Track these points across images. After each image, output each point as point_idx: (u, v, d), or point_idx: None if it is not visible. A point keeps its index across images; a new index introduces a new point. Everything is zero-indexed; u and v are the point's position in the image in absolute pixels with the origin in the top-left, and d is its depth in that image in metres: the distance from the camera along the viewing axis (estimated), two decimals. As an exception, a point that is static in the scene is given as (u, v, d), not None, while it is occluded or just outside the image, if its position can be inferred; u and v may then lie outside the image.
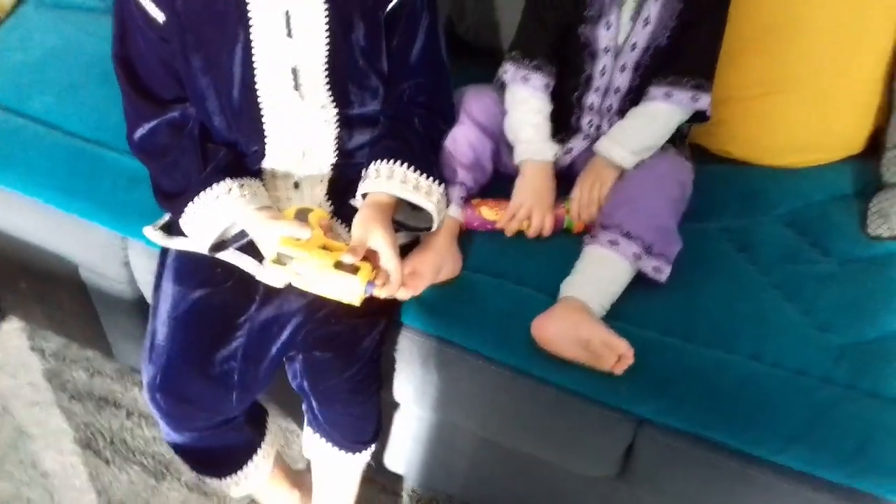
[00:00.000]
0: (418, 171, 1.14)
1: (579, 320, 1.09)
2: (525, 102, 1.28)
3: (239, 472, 1.26)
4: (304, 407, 1.27)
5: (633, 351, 1.06)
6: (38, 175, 1.35)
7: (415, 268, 1.15)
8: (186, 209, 1.12)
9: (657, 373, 1.11)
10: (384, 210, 1.11)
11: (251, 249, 1.15)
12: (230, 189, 1.11)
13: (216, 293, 1.15)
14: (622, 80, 1.27)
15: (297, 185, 1.21)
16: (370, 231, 1.07)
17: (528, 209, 1.23)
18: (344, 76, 1.12)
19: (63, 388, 1.65)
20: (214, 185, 1.11)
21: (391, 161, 1.13)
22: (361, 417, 1.26)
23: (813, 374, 1.10)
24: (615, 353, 1.06)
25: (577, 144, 1.32)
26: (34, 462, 1.54)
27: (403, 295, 1.12)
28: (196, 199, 1.12)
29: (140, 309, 1.47)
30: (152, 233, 1.21)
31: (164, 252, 1.22)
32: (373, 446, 1.30)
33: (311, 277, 1.04)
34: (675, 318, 1.16)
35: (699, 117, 1.26)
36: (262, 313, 1.14)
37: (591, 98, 1.29)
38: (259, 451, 1.28)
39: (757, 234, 1.26)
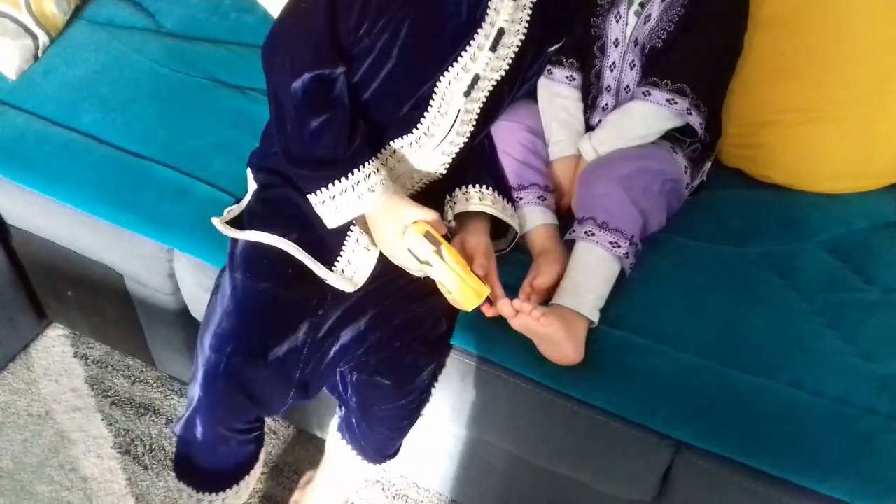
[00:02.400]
0: (500, 195, 1.21)
1: (564, 324, 1.11)
2: (553, 99, 1.33)
3: (228, 490, 1.27)
4: (339, 414, 1.29)
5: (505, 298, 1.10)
6: (87, 188, 1.38)
7: (541, 273, 1.20)
8: (326, 188, 1.08)
9: (696, 396, 1.11)
10: (487, 234, 1.18)
11: (318, 255, 1.14)
12: (369, 174, 1.08)
13: (284, 285, 1.14)
14: (631, 78, 1.29)
15: None
16: (486, 255, 1.13)
17: (558, 187, 1.31)
18: (499, 94, 1.17)
19: (104, 395, 1.68)
20: (361, 167, 1.08)
21: (478, 186, 1.20)
22: (396, 437, 1.29)
23: (855, 403, 1.09)
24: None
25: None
26: (74, 466, 1.58)
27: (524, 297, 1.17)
28: (343, 179, 1.07)
29: (183, 320, 1.50)
30: (221, 225, 1.19)
31: (233, 244, 1.20)
32: (395, 458, 1.32)
33: (450, 266, 1.07)
34: (715, 341, 1.16)
35: (691, 133, 1.26)
36: (327, 316, 1.14)
37: (605, 99, 1.32)
38: (252, 471, 1.30)
39: (799, 260, 1.26)
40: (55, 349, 1.75)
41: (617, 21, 1.26)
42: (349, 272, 1.15)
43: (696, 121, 1.23)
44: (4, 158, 1.43)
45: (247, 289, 1.14)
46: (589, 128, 1.35)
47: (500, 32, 1.11)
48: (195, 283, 1.37)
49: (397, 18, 1.07)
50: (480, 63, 1.12)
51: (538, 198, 1.27)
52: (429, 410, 1.26)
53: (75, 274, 1.55)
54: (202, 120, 1.45)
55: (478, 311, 1.21)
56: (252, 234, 1.16)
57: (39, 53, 1.58)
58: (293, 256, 1.13)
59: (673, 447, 1.12)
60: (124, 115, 1.47)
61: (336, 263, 1.15)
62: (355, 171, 1.07)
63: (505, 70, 1.14)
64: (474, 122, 1.18)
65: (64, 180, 1.40)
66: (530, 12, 1.12)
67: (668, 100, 1.22)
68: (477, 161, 1.24)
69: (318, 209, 1.10)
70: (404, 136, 1.15)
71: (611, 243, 1.16)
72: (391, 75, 1.10)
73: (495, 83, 1.15)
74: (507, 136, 1.29)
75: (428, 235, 1.07)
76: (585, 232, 1.17)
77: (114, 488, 1.55)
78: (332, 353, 1.15)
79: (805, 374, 1.12)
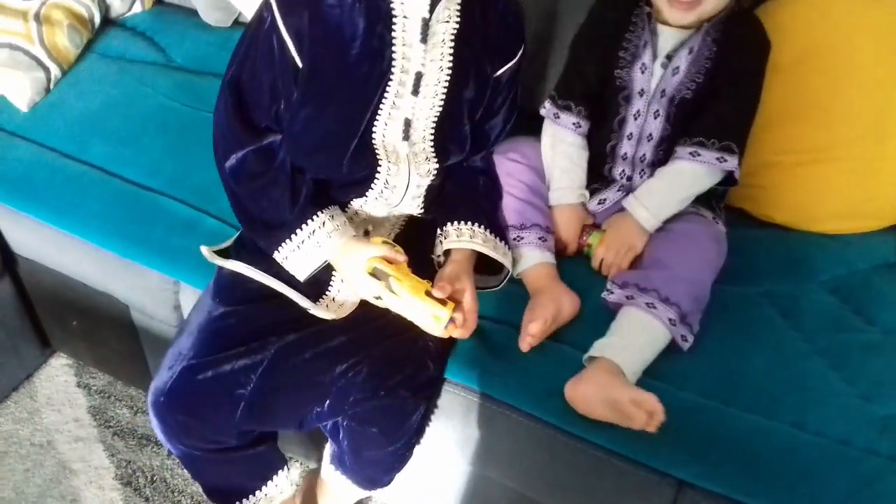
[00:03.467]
0: (492, 232, 1.22)
1: (608, 382, 1.10)
2: (557, 144, 1.34)
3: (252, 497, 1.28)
4: (329, 446, 1.29)
5: (661, 406, 1.06)
6: (95, 220, 1.40)
7: (534, 317, 1.19)
8: (282, 246, 1.16)
9: (697, 436, 1.11)
10: (468, 265, 1.20)
11: (304, 290, 1.17)
12: (323, 223, 1.16)
13: (252, 309, 1.17)
14: (654, 128, 1.30)
15: (367, 232, 1.25)
16: (460, 278, 1.15)
17: (555, 230, 1.32)
18: (447, 132, 1.18)
19: (107, 425, 1.68)
20: (308, 222, 1.15)
21: (469, 223, 1.22)
22: (390, 474, 1.29)
23: (856, 444, 1.09)
24: (644, 410, 1.07)
25: (611, 195, 1.35)
26: (75, 497, 1.57)
27: (524, 346, 1.19)
28: (292, 236, 1.15)
29: (186, 351, 1.50)
30: (209, 253, 1.24)
31: (218, 272, 1.24)
32: (390, 484, 1.32)
33: (402, 297, 1.11)
34: (715, 381, 1.17)
35: (728, 180, 1.28)
36: (295, 335, 1.14)
37: (625, 147, 1.33)
38: (264, 487, 1.29)
39: (800, 300, 1.27)
40: (58, 378, 1.75)
41: (642, 72, 1.27)
42: (333, 307, 1.19)
43: (737, 173, 1.26)
44: (14, 189, 1.45)
45: (213, 313, 1.17)
46: (602, 176, 1.35)
47: (419, 76, 1.12)
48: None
49: (310, 87, 1.12)
50: (406, 108, 1.14)
51: (539, 238, 1.29)
52: (431, 444, 1.26)
53: (81, 304, 1.56)
54: (210, 154, 1.46)
55: (480, 346, 1.23)
56: (234, 264, 1.21)
57: (51, 86, 1.60)
58: (271, 290, 1.17)
59: (675, 486, 1.11)
60: (134, 148, 1.49)
61: (324, 296, 1.19)
62: (303, 226, 1.15)
63: (439, 108, 1.15)
64: (433, 161, 1.20)
65: (72, 212, 1.41)
66: (451, 51, 1.13)
67: (717, 158, 1.24)
68: (470, 198, 1.26)
69: (285, 265, 1.18)
70: (367, 194, 1.22)
71: (670, 319, 1.17)
72: (324, 132, 1.15)
73: (435, 121, 1.16)
74: (510, 176, 1.31)
75: (376, 271, 1.12)
76: (647, 303, 1.17)
77: (114, 520, 1.55)
78: (307, 390, 1.13)
79: (807, 415, 1.12)
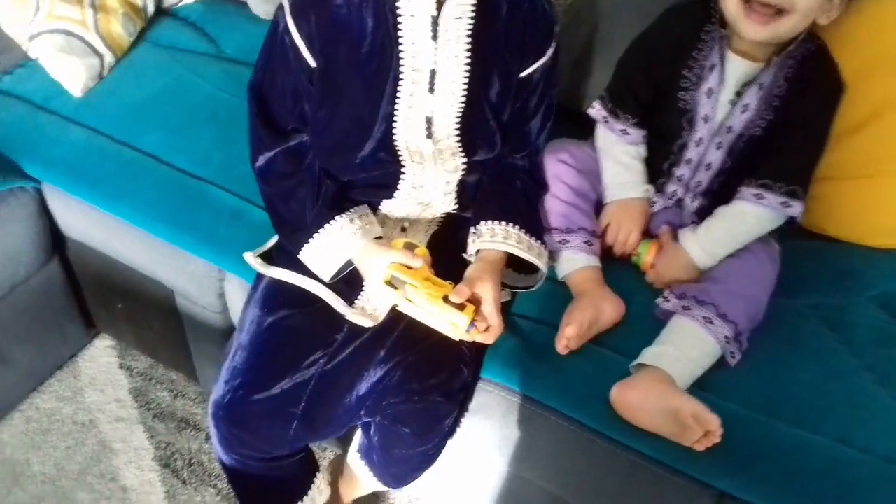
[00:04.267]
0: (528, 234, 1.20)
1: (666, 391, 1.09)
2: (610, 147, 1.32)
3: None
4: (360, 438, 1.30)
5: (722, 430, 1.05)
6: (145, 206, 1.42)
7: (571, 320, 1.18)
8: (303, 248, 1.18)
9: (740, 447, 1.09)
10: (497, 267, 1.17)
11: (341, 291, 1.19)
12: (342, 226, 1.17)
13: (298, 316, 1.19)
14: (715, 158, 1.27)
15: (403, 229, 1.26)
16: (482, 280, 1.12)
17: (616, 223, 1.29)
18: (472, 128, 1.17)
19: (147, 407, 1.71)
20: (328, 225, 1.16)
21: (504, 223, 1.19)
22: (415, 474, 1.29)
23: (903, 462, 1.07)
24: (702, 429, 1.06)
25: (660, 202, 1.33)
26: (115, 476, 1.60)
27: (560, 348, 1.18)
28: (311, 239, 1.17)
29: (228, 338, 1.51)
30: (251, 259, 1.26)
31: (258, 278, 1.27)
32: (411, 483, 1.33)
33: (418, 305, 1.10)
34: (761, 393, 1.16)
35: (787, 222, 1.24)
36: (341, 353, 1.16)
37: (682, 170, 1.30)
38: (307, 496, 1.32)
39: (849, 314, 1.25)
40: (102, 359, 1.79)
41: (708, 97, 1.23)
42: (369, 308, 1.19)
43: (800, 218, 1.23)
44: (66, 173, 1.48)
45: (261, 325, 1.19)
46: (660, 191, 1.33)
47: (433, 73, 1.11)
48: (243, 304, 1.40)
49: (324, 87, 1.13)
50: (423, 105, 1.13)
51: (585, 242, 1.27)
52: (469, 443, 1.26)
53: (127, 287, 1.58)
54: (258, 145, 1.49)
55: (521, 346, 1.23)
56: (277, 271, 1.22)
57: (105, 73, 1.63)
58: (314, 295, 1.19)
59: (715, 497, 1.10)
60: (184, 137, 1.51)
61: (357, 300, 1.19)
62: (322, 229, 1.16)
63: (461, 106, 1.14)
64: (460, 156, 1.19)
65: (123, 197, 1.44)
66: (468, 48, 1.11)
67: (782, 203, 1.20)
68: (507, 197, 1.24)
69: (310, 266, 1.19)
70: (395, 195, 1.22)
71: (725, 337, 1.15)
72: (339, 132, 1.16)
73: (458, 118, 1.15)
74: (557, 178, 1.29)
75: (393, 279, 1.11)
76: (704, 317, 1.16)
77: (152, 500, 1.57)
78: (351, 398, 1.16)
79: (853, 431, 1.10)
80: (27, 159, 1.50)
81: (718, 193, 1.28)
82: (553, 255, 1.29)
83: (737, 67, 1.21)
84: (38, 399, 1.70)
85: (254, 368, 1.16)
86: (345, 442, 1.43)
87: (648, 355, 1.16)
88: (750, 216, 1.22)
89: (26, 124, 1.54)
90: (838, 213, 1.35)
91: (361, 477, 1.34)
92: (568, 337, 1.18)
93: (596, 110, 1.33)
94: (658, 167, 1.32)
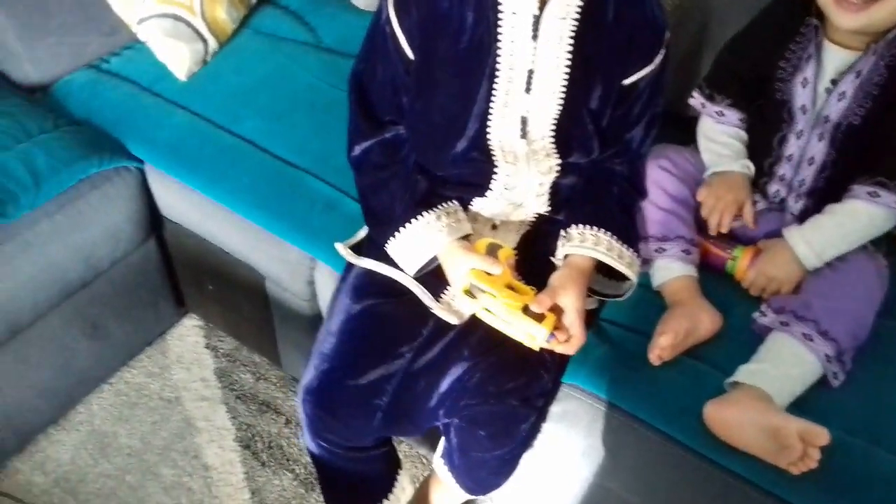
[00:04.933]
0: (620, 241, 1.16)
1: (766, 409, 1.06)
2: (710, 130, 1.30)
3: None
4: (442, 443, 1.30)
5: (819, 453, 1.01)
6: (242, 191, 1.45)
7: (665, 330, 1.16)
8: (390, 241, 1.18)
9: (839, 474, 1.05)
10: (584, 275, 1.13)
11: (429, 285, 1.19)
12: (428, 223, 1.15)
13: (387, 306, 1.19)
14: (817, 151, 1.23)
15: (494, 227, 1.24)
16: (566, 289, 1.09)
17: (714, 197, 1.26)
18: (569, 131, 1.14)
19: (231, 388, 1.75)
20: (414, 220, 1.16)
21: (595, 228, 1.15)
22: (496, 481, 1.28)
23: None
24: (808, 446, 1.02)
25: (761, 203, 1.30)
26: (197, 454, 1.65)
27: (653, 359, 1.16)
28: (397, 233, 1.17)
29: (315, 326, 1.52)
30: (343, 249, 1.27)
31: (348, 268, 1.27)
32: (494, 491, 1.32)
33: (497, 314, 1.07)
34: (863, 417, 1.12)
35: None
36: (427, 350, 1.16)
37: (784, 168, 1.26)
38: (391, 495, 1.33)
39: (961, 338, 1.19)
40: (189, 338, 1.83)
41: (803, 87, 1.20)
42: (455, 305, 1.18)
43: None
44: (169, 155, 1.52)
45: (351, 313, 1.20)
46: (762, 192, 1.30)
47: (531, 73, 1.09)
48: (333, 292, 1.41)
49: (421, 80, 1.12)
50: (519, 105, 1.11)
51: (682, 251, 1.25)
52: (552, 449, 1.25)
53: (219, 270, 1.62)
54: (354, 136, 1.50)
55: (610, 354, 1.21)
56: (367, 261, 1.23)
57: (208, 58, 1.66)
58: (403, 286, 1.18)
59: (810, 524, 1.07)
60: (282, 125, 1.53)
61: (443, 294, 1.18)
62: (408, 224, 1.15)
63: (559, 107, 1.11)
64: (554, 157, 1.16)
65: (221, 182, 1.47)
66: (570, 49, 1.08)
67: None
68: (601, 201, 1.20)
69: (395, 259, 1.19)
70: (487, 194, 1.20)
71: (826, 355, 1.12)
72: (431, 127, 1.15)
73: (555, 120, 1.12)
74: (656, 185, 1.27)
75: (472, 288, 1.09)
76: (803, 334, 1.12)
77: (232, 480, 1.61)
78: (433, 396, 1.16)
79: (963, 464, 1.05)
80: (132, 140, 1.55)
81: (823, 194, 1.24)
82: (648, 263, 1.26)
83: (833, 56, 1.18)
84: (127, 373, 1.76)
85: (343, 355, 1.17)
86: (431, 440, 1.44)
87: (745, 373, 1.12)
88: (863, 215, 1.17)
89: (132, 105, 1.59)
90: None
91: (447, 482, 1.34)
92: (662, 347, 1.15)
93: (694, 99, 1.32)
94: (759, 166, 1.29)
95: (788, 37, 1.22)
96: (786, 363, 1.12)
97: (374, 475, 1.31)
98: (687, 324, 1.17)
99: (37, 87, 1.64)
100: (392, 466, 1.34)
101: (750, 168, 1.28)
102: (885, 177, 1.16)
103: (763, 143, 1.27)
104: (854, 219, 1.18)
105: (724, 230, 1.27)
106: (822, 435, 1.01)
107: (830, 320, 1.12)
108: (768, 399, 1.08)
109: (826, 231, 1.19)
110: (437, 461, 1.34)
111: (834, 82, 1.19)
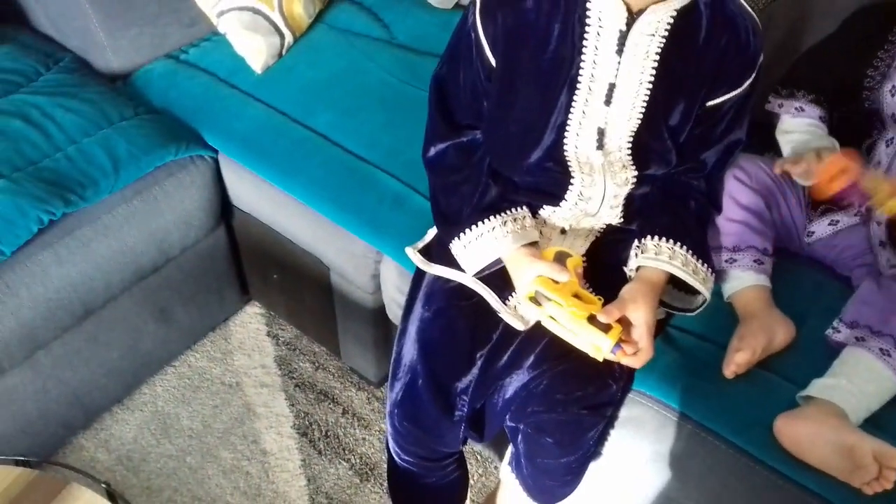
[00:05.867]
0: (696, 256, 1.14)
1: (841, 426, 1.04)
2: (789, 125, 1.28)
3: None
4: (510, 450, 1.30)
5: None
6: (313, 184, 1.47)
7: (742, 346, 1.15)
8: (454, 242, 1.19)
9: (915, 496, 1.03)
10: (656, 288, 1.12)
11: (497, 289, 1.19)
12: (493, 228, 1.16)
13: (461, 314, 1.19)
14: None
15: (563, 232, 1.24)
16: (636, 302, 1.08)
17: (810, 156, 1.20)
18: (646, 144, 1.13)
19: (290, 376, 1.78)
20: (479, 224, 1.16)
21: (672, 241, 1.14)
22: (563, 489, 1.28)
23: None
24: (883, 466, 1.00)
25: (845, 220, 1.27)
26: (256, 439, 1.68)
27: (728, 374, 1.15)
28: (461, 234, 1.18)
29: (376, 318, 1.56)
30: (414, 255, 1.27)
31: (420, 275, 1.28)
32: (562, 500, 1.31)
33: (562, 323, 1.06)
34: (942, 438, 1.09)
35: None
36: (498, 355, 1.17)
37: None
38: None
39: None
40: (251, 325, 1.87)
41: (892, 95, 1.18)
42: (521, 310, 1.18)
43: None
44: (243, 146, 1.55)
45: (428, 324, 1.20)
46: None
47: (612, 87, 1.07)
48: (396, 287, 1.43)
49: (501, 88, 1.12)
50: (597, 117, 1.09)
51: (754, 261, 1.23)
52: (619, 455, 1.24)
53: (284, 260, 1.64)
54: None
55: (680, 362, 1.20)
56: (437, 268, 1.23)
57: (284, 52, 1.69)
58: (473, 291, 1.19)
59: (882, 544, 1.05)
60: (354, 120, 1.55)
61: (510, 298, 1.18)
62: (474, 227, 1.16)
63: (637, 121, 1.09)
64: (631, 169, 1.14)
65: (293, 174, 1.49)
66: (655, 65, 1.06)
67: None
68: (678, 213, 1.18)
69: (458, 258, 1.19)
70: (561, 204, 1.19)
71: None
72: (508, 134, 1.15)
73: (632, 133, 1.10)
74: (729, 196, 1.25)
75: (538, 295, 1.08)
76: (881, 349, 1.10)
77: (289, 466, 1.63)
78: (499, 400, 1.18)
79: None
80: (208, 130, 1.58)
81: None
82: (720, 276, 1.25)
83: None
84: (191, 357, 1.80)
85: (424, 368, 1.18)
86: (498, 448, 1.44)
87: (819, 387, 1.10)
88: None
89: (209, 96, 1.62)
90: None
91: (514, 490, 1.35)
92: (738, 364, 1.14)
93: (770, 103, 1.31)
94: None
95: (876, 45, 1.21)
96: (861, 378, 1.10)
97: (450, 486, 1.33)
98: (763, 338, 1.16)
99: (118, 75, 1.69)
100: (465, 476, 1.36)
101: (835, 143, 1.25)
102: None
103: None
104: None
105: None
106: None
107: None
108: (843, 415, 1.06)
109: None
110: (505, 468, 1.35)
111: None
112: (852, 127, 1.25)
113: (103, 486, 1.10)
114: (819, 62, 1.28)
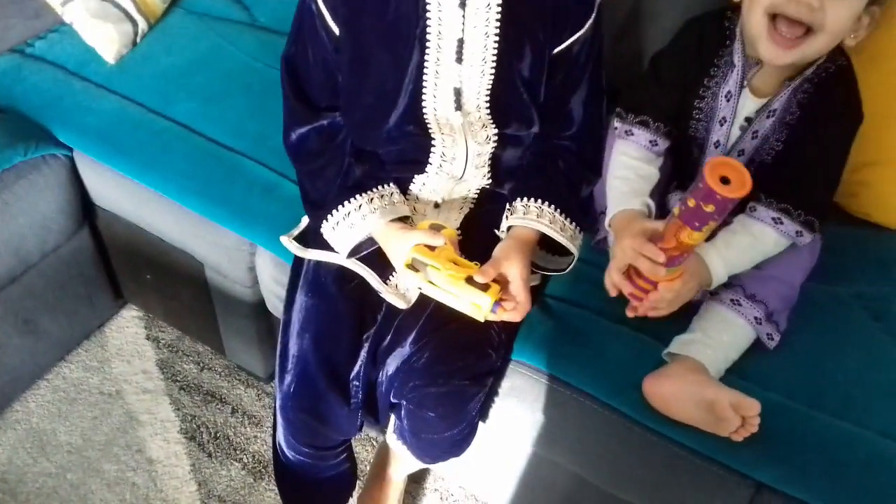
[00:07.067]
0: (564, 214, 1.15)
1: (701, 381, 1.07)
2: (620, 157, 1.23)
3: None
4: (394, 420, 1.29)
5: (759, 420, 1.03)
6: (177, 177, 1.41)
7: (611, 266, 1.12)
8: (323, 224, 1.17)
9: (780, 438, 1.08)
10: (527, 245, 1.13)
11: (378, 270, 1.18)
12: (360, 206, 1.15)
13: (344, 303, 1.18)
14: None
15: (437, 206, 1.23)
16: (509, 259, 1.09)
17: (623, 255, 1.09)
18: (504, 101, 1.13)
19: (174, 379, 1.71)
20: (346, 203, 1.15)
21: (540, 201, 1.15)
22: (449, 453, 1.28)
23: (950, 458, 1.05)
24: (740, 417, 1.03)
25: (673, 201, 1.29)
26: (140, 448, 1.60)
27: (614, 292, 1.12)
28: (329, 217, 1.16)
29: (257, 312, 1.51)
30: (289, 243, 1.25)
31: (298, 263, 1.25)
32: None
33: (441, 287, 1.07)
34: (802, 382, 1.14)
35: None
36: (381, 335, 1.17)
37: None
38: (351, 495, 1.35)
39: (893, 303, 1.22)
40: (129, 330, 1.79)
41: (721, 125, 1.18)
42: (402, 287, 1.18)
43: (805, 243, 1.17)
44: (98, 141, 1.47)
45: (312, 313, 1.18)
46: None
47: (461, 42, 1.08)
48: (273, 279, 1.39)
49: (348, 56, 1.11)
50: (451, 76, 1.10)
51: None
52: (500, 424, 1.25)
53: (156, 258, 1.58)
54: (292, 117, 1.47)
55: (555, 329, 1.20)
56: (314, 252, 1.21)
57: (138, 39, 1.61)
58: (354, 274, 1.18)
59: (753, 488, 1.08)
60: (218, 107, 1.49)
61: (391, 278, 1.18)
62: (339, 207, 1.15)
63: (491, 77, 1.10)
64: (491, 127, 1.15)
65: (155, 167, 1.42)
66: (498, 17, 1.07)
67: (797, 232, 1.14)
68: (547, 175, 1.19)
69: (329, 241, 1.18)
70: (427, 169, 1.20)
71: (755, 318, 1.13)
72: (364, 103, 1.14)
73: (488, 90, 1.11)
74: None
75: (415, 262, 1.09)
76: (731, 300, 1.13)
77: (178, 472, 1.57)
78: (384, 379, 1.17)
79: (897, 424, 1.08)
80: (59, 126, 1.49)
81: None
82: (603, 237, 1.25)
83: (750, 101, 1.16)
84: (65, 368, 1.70)
85: (313, 358, 1.16)
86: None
87: (679, 343, 1.14)
88: (769, 239, 1.15)
89: (60, 90, 1.53)
90: (885, 200, 1.31)
91: (403, 455, 1.34)
92: (613, 282, 1.11)
93: (618, 128, 1.23)
94: (683, 185, 1.27)
95: (701, 74, 1.18)
96: (716, 330, 1.13)
97: (341, 477, 1.32)
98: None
99: (-44, 73, 1.57)
100: (354, 466, 1.35)
101: (650, 205, 1.18)
102: (790, 205, 1.14)
103: (687, 165, 1.26)
104: (760, 241, 1.15)
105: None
106: (752, 407, 1.02)
107: (756, 284, 1.13)
108: (702, 369, 1.09)
109: (738, 250, 1.15)
110: (391, 436, 1.34)
111: (748, 120, 1.17)
112: (676, 154, 1.25)
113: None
114: (663, 78, 1.22)
